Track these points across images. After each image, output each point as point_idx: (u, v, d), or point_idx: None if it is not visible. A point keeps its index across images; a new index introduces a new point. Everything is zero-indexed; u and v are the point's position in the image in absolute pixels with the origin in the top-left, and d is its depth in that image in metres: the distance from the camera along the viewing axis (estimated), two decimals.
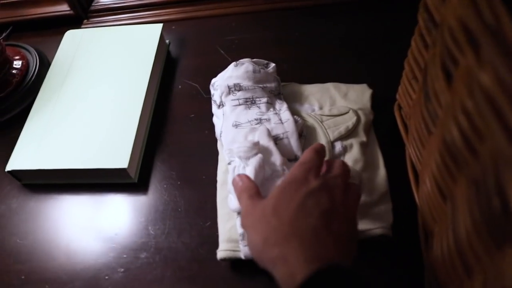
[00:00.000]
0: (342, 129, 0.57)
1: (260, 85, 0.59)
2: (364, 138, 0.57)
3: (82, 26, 0.82)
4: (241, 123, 0.56)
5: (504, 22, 0.28)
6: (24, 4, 0.81)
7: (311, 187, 0.41)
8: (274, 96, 0.60)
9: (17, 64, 0.73)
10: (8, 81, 0.71)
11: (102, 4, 0.82)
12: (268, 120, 0.56)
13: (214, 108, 0.61)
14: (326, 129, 0.57)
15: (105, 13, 0.82)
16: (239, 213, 0.50)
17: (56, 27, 0.81)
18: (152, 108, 0.67)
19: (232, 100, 0.58)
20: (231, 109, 0.58)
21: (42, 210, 0.60)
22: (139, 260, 0.54)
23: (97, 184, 0.61)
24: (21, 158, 0.60)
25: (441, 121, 0.38)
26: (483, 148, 0.29)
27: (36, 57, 0.74)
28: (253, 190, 0.45)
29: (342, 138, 0.57)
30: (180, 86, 0.70)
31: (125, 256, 0.54)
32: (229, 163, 0.54)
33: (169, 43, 0.76)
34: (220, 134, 0.58)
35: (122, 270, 0.53)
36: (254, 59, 0.62)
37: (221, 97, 0.59)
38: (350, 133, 0.57)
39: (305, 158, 0.45)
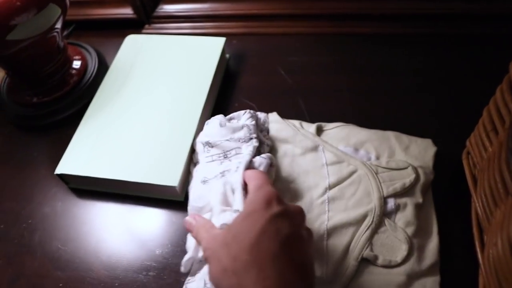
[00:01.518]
0: (398, 185, 0.53)
1: (227, 138, 0.57)
2: (420, 200, 0.53)
3: (143, 31, 0.81)
4: (209, 179, 0.54)
5: None
6: (88, 4, 0.82)
7: (273, 212, 0.40)
8: (245, 143, 0.57)
9: (76, 64, 0.73)
10: (66, 80, 0.71)
11: (165, 11, 0.81)
12: (229, 170, 0.54)
13: (191, 168, 0.59)
14: (380, 182, 0.54)
15: (167, 19, 0.81)
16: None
17: (117, 29, 0.81)
18: None
19: (206, 157, 0.57)
20: (204, 165, 0.56)
21: (87, 216, 0.60)
22: (179, 283, 0.52)
23: (145, 197, 0.60)
24: (71, 163, 0.60)
25: None
26: None
27: (95, 58, 0.74)
28: (209, 224, 0.45)
29: (396, 195, 0.53)
30: (236, 104, 0.68)
31: (165, 277, 0.53)
32: None
33: (229, 57, 0.75)
34: (189, 190, 0.56)
35: None
36: (232, 114, 0.61)
37: (197, 156, 0.58)
38: (405, 192, 0.53)
39: (262, 182, 0.45)
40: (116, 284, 0.53)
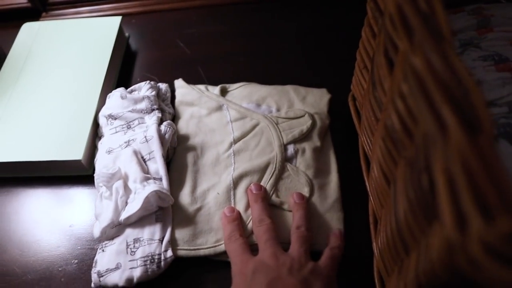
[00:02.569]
0: (296, 132, 0.57)
1: (129, 109, 0.59)
2: (318, 143, 0.57)
3: (41, 19, 0.80)
4: (114, 148, 0.57)
5: (436, 9, 0.29)
6: None
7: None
8: (147, 114, 0.60)
9: None
10: None
11: None
12: (135, 140, 0.56)
13: (96, 142, 0.61)
14: (280, 132, 0.58)
15: (64, 5, 0.81)
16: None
17: (14, 20, 0.79)
18: None
19: (110, 129, 0.59)
20: (108, 137, 0.58)
21: None
22: (93, 251, 0.53)
23: (53, 177, 0.60)
24: None
25: (384, 107, 0.39)
26: (416, 130, 0.30)
27: None
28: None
29: (295, 141, 0.57)
30: (138, 79, 0.70)
31: (79, 247, 0.54)
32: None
33: (129, 36, 0.76)
34: (95, 161, 0.58)
35: (76, 261, 0.53)
36: (133, 86, 0.63)
37: (101, 130, 0.60)
38: (304, 137, 0.58)
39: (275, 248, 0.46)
40: (31, 260, 0.53)
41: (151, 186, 0.51)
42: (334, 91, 0.64)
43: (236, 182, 0.54)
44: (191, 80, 0.67)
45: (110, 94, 0.62)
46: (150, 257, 0.48)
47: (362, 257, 0.49)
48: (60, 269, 0.52)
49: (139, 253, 0.49)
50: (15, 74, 0.67)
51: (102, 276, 0.48)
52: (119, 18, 0.72)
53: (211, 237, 0.50)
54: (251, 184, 0.53)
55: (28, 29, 0.73)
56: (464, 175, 0.22)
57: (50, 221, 0.57)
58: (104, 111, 0.60)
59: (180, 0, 0.79)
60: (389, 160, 0.38)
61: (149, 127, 0.57)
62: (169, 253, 0.49)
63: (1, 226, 0.57)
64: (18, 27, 0.74)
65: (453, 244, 0.22)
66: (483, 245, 0.20)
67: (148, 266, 0.48)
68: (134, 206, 0.49)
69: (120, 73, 0.71)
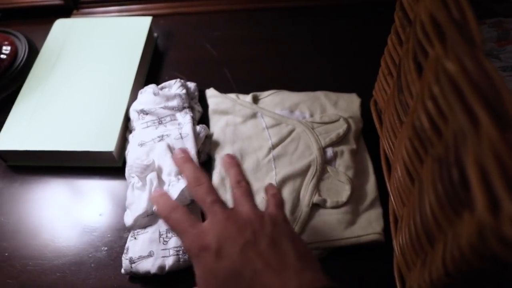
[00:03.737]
0: (333, 135, 0.60)
1: (161, 106, 0.62)
2: (354, 146, 0.60)
3: (72, 16, 0.83)
4: (146, 142, 0.59)
5: (468, 17, 0.31)
6: None
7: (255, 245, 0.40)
8: (178, 111, 0.62)
9: (6, 49, 0.74)
10: None
11: None
12: (169, 135, 0.59)
13: (127, 135, 0.64)
14: (317, 135, 0.60)
15: (94, 4, 0.84)
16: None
17: (45, 17, 0.82)
18: None
19: (142, 123, 0.61)
20: (140, 131, 0.61)
21: (27, 191, 0.62)
22: (123, 239, 0.55)
23: (83, 167, 0.62)
24: (8, 139, 0.62)
25: (412, 109, 0.42)
26: (446, 129, 0.32)
27: (25, 43, 0.76)
28: (190, 217, 0.44)
29: (333, 144, 0.59)
30: (167, 77, 0.72)
31: (109, 235, 0.56)
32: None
33: (157, 36, 0.79)
34: (127, 153, 0.61)
35: (106, 248, 0.55)
36: (163, 83, 0.66)
37: (133, 124, 0.63)
38: (341, 140, 0.60)
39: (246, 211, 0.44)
40: (62, 246, 0.56)
41: (177, 189, 0.53)
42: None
43: (280, 186, 0.56)
44: (218, 81, 0.70)
45: (142, 90, 0.65)
46: (182, 248, 0.51)
47: (382, 254, 0.52)
48: (90, 255, 0.55)
49: (171, 243, 0.51)
50: (48, 68, 0.70)
51: (134, 262, 0.51)
52: (149, 19, 0.74)
53: None
54: (176, 149, 0.54)
55: (61, 25, 0.76)
56: (496, 165, 0.24)
57: (80, 209, 0.59)
58: (136, 106, 0.63)
59: (208, 4, 0.82)
60: (415, 159, 0.41)
61: (184, 125, 0.60)
62: None
63: (33, 212, 0.59)
64: (49, 24, 0.77)
65: (485, 227, 0.24)
66: None
67: (180, 256, 0.50)
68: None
69: (149, 71, 0.73)
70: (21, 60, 0.73)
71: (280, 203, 0.46)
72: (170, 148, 0.57)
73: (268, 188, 0.49)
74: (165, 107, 0.62)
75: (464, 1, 0.32)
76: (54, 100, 0.65)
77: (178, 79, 0.66)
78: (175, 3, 0.82)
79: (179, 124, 0.61)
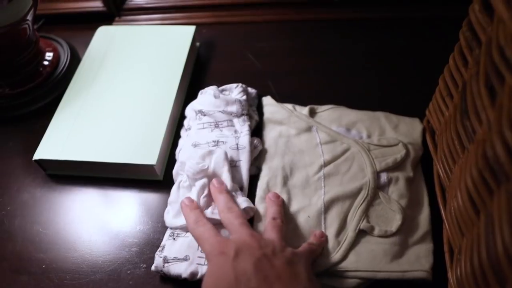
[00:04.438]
0: (389, 160, 0.56)
1: (220, 109, 0.61)
2: (411, 174, 0.56)
3: (114, 23, 0.83)
4: (200, 143, 0.58)
5: None
6: None
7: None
8: (236, 117, 0.61)
9: (49, 55, 0.74)
10: (39, 72, 0.72)
11: (135, 3, 0.83)
12: (225, 143, 0.58)
13: (182, 132, 0.63)
14: (373, 158, 0.57)
15: (137, 11, 0.83)
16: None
17: (88, 23, 0.82)
18: (181, 107, 0.67)
19: (198, 124, 0.61)
20: (196, 131, 0.60)
21: (66, 201, 0.61)
22: None
23: (123, 179, 0.61)
24: (49, 148, 0.61)
25: (481, 137, 0.39)
26: None
27: (67, 50, 0.75)
28: (211, 228, 0.48)
29: (388, 169, 0.56)
30: None
31: (148, 252, 0.55)
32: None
33: (199, 45, 0.77)
34: (179, 151, 0.60)
35: (145, 266, 0.53)
36: (224, 86, 0.65)
37: (189, 122, 0.62)
38: (397, 166, 0.57)
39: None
40: (100, 261, 0.54)
41: (242, 200, 0.53)
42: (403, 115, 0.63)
43: (327, 206, 0.54)
44: (262, 93, 0.68)
45: (202, 90, 0.65)
46: None
47: (435, 284, 0.48)
48: (128, 272, 0.53)
49: None
50: (90, 76, 0.69)
51: (168, 262, 0.50)
52: (193, 28, 0.73)
53: None
54: (213, 179, 0.54)
55: (103, 32, 0.76)
56: None
57: (119, 222, 0.58)
58: (195, 106, 0.63)
59: (251, 14, 0.80)
60: (483, 190, 0.37)
61: (241, 136, 0.59)
62: None
63: (72, 223, 0.58)
64: (91, 30, 0.77)
65: None
66: None
67: None
68: None
69: (190, 82, 0.72)
70: (64, 67, 0.73)
71: (310, 251, 0.48)
72: (228, 159, 0.56)
73: (315, 234, 0.51)
74: (223, 111, 0.61)
75: None
76: (96, 110, 0.64)
77: (240, 84, 0.65)
78: (219, 12, 0.81)
79: (235, 131, 0.60)
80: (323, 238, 0.51)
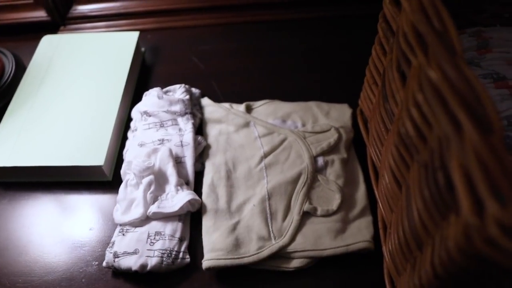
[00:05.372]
0: (324, 145, 0.61)
1: (164, 110, 0.64)
2: (345, 155, 0.61)
3: (59, 33, 0.84)
4: (146, 143, 0.61)
5: (449, 27, 0.33)
6: (0, 9, 0.82)
7: None
8: (180, 116, 0.64)
9: None
10: None
11: (79, 12, 0.84)
12: (170, 140, 0.61)
13: (129, 134, 0.66)
14: (309, 145, 0.61)
15: (82, 20, 0.84)
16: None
17: (33, 33, 0.83)
18: (128, 110, 0.69)
19: (144, 124, 0.64)
20: (142, 132, 0.63)
21: (16, 207, 0.61)
22: None
23: (73, 182, 0.62)
24: None
25: (397, 117, 0.43)
26: (430, 135, 0.33)
27: (12, 60, 0.75)
28: None
29: (324, 153, 0.60)
30: None
31: (99, 250, 0.56)
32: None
33: (145, 51, 0.79)
34: (126, 151, 0.62)
35: (97, 263, 0.55)
36: (168, 87, 0.68)
37: (135, 124, 0.65)
38: (332, 149, 0.61)
39: None
40: (53, 262, 0.55)
41: (187, 193, 0.55)
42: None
43: (270, 193, 0.57)
44: (206, 94, 0.71)
45: (147, 92, 0.68)
46: (168, 251, 0.52)
47: (372, 261, 0.52)
48: (81, 270, 0.54)
49: (158, 245, 0.52)
50: (36, 84, 0.70)
51: (118, 257, 0.52)
52: (136, 34, 0.75)
53: (253, 246, 0.53)
54: None
55: (48, 41, 0.77)
56: (480, 168, 0.25)
57: (70, 224, 0.59)
58: (140, 107, 0.65)
59: (194, 18, 0.83)
60: (402, 165, 0.41)
61: (185, 133, 0.62)
62: (187, 258, 0.53)
63: (22, 228, 0.59)
64: (36, 40, 0.78)
65: (471, 228, 0.25)
66: (499, 226, 0.23)
67: (164, 258, 0.51)
68: (171, 208, 0.54)
69: (137, 86, 0.74)
70: (8, 77, 0.73)
71: None
72: (173, 156, 0.58)
73: None
74: (167, 111, 0.63)
75: (444, 12, 0.33)
76: (43, 116, 0.65)
77: (183, 85, 0.68)
78: (162, 18, 0.83)
79: (179, 129, 0.63)
80: None
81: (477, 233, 0.24)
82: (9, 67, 0.75)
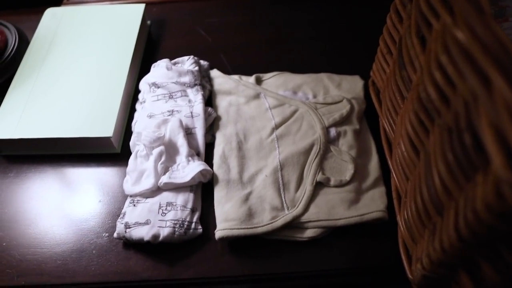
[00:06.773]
0: (336, 116, 0.60)
1: (173, 81, 0.63)
2: (357, 126, 0.60)
3: (62, 5, 0.82)
4: (155, 114, 0.60)
5: None
6: None
7: None
8: (189, 87, 0.63)
9: None
10: None
11: None
12: (180, 112, 0.60)
13: (137, 105, 0.65)
14: (321, 116, 0.60)
15: None
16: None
17: (36, 6, 0.81)
18: (135, 82, 0.68)
19: (152, 96, 0.62)
20: (150, 103, 0.62)
21: (23, 181, 0.61)
22: None
23: (80, 155, 0.62)
24: (3, 128, 0.61)
25: (415, 83, 0.42)
26: (455, 96, 0.33)
27: (15, 33, 0.74)
28: None
29: (336, 124, 0.60)
30: None
31: (109, 222, 0.56)
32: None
33: (150, 24, 0.78)
34: (135, 123, 0.61)
35: (107, 234, 0.54)
36: (177, 59, 0.67)
37: (143, 95, 0.64)
38: (344, 120, 0.60)
39: None
40: (62, 234, 0.55)
41: (198, 164, 0.54)
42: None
43: (283, 164, 0.56)
44: (215, 66, 0.70)
45: (155, 63, 0.66)
46: (180, 222, 0.51)
47: (386, 230, 0.52)
48: (91, 242, 0.54)
49: (170, 215, 0.52)
50: (41, 57, 0.69)
51: (130, 227, 0.51)
52: (142, 6, 0.74)
53: (266, 216, 0.52)
54: None
55: (51, 14, 0.75)
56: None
57: (78, 197, 0.59)
58: (149, 79, 0.64)
59: None
60: (421, 131, 0.41)
61: (195, 104, 0.61)
62: (200, 228, 0.53)
63: (31, 201, 0.58)
64: (39, 13, 0.76)
65: (503, 184, 0.24)
66: None
67: (176, 229, 0.51)
68: (182, 178, 0.53)
69: (143, 59, 0.73)
70: (12, 50, 0.72)
71: None
72: (183, 126, 0.58)
73: None
74: (176, 82, 0.63)
75: None
76: (49, 89, 0.64)
77: (192, 56, 0.67)
78: None
79: (189, 101, 0.62)
80: None
81: (509, 187, 0.24)
82: (12, 40, 0.73)
